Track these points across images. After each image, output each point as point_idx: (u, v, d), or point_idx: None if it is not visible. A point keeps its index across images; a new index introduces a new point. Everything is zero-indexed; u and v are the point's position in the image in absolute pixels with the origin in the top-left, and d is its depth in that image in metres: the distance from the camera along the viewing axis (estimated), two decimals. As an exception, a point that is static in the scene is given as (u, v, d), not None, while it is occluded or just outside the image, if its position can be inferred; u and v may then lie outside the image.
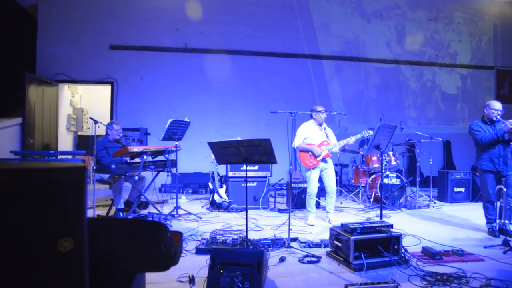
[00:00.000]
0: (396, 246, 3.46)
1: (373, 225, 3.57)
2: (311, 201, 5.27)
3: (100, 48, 8.81)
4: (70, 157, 5.79)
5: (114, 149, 5.52)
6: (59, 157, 5.52)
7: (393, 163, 6.69)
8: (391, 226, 3.58)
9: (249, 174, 6.18)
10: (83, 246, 1.19)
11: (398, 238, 3.49)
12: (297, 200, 6.22)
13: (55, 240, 1.16)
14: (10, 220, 1.21)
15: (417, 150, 7.15)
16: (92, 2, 8.79)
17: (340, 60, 9.59)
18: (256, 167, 6.23)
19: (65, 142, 9.29)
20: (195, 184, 8.19)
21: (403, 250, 3.53)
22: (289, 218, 4.13)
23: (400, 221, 5.31)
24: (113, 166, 4.93)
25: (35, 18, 8.72)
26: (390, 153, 6.74)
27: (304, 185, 6.15)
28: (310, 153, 5.21)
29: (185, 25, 9.01)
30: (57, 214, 1.20)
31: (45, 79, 8.31)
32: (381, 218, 4.60)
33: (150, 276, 2.00)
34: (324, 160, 5.24)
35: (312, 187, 5.23)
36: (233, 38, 9.11)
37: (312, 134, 5.29)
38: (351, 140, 5.10)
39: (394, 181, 6.46)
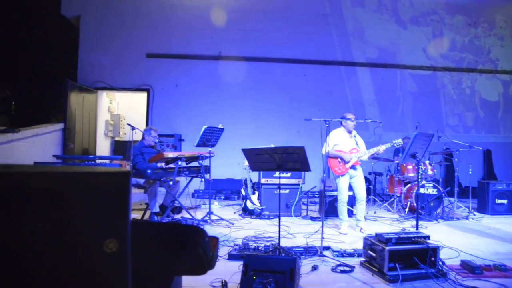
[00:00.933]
0: (433, 258, 3.36)
1: (408, 235, 3.48)
2: (343, 208, 5.23)
3: (137, 57, 9.10)
4: (107, 161, 6.00)
5: (150, 154, 5.67)
6: (98, 161, 5.73)
7: (430, 172, 6.51)
8: (428, 237, 3.49)
9: (282, 181, 6.17)
10: (127, 247, 1.24)
11: (435, 250, 3.39)
12: (329, 208, 6.15)
13: (102, 241, 1.21)
14: (60, 221, 1.27)
15: (455, 159, 6.91)
16: (130, 13, 9.11)
17: (374, 67, 9.46)
18: (289, 174, 6.22)
19: (103, 147, 9.62)
20: (228, 190, 8.26)
21: (440, 263, 3.42)
22: (321, 226, 4.10)
23: (437, 232, 5.14)
24: (148, 171, 5.06)
25: (78, 28, 9.12)
26: (427, 162, 6.57)
27: (337, 193, 6.07)
28: (339, 159, 5.19)
29: (218, 33, 9.16)
30: (103, 217, 1.25)
31: (86, 86, 8.67)
32: (417, 228, 4.48)
33: (183, 280, 2.04)
34: (353, 167, 5.21)
35: (343, 194, 5.19)
36: (266, 45, 9.17)
37: (342, 141, 5.28)
38: (381, 148, 5.06)
39: (431, 191, 6.28)
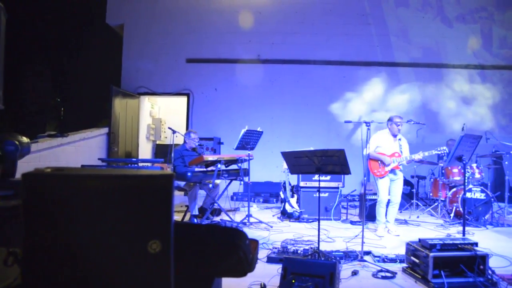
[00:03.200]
0: (481, 267, 3.21)
1: (454, 241, 3.35)
2: (380, 209, 5.18)
3: (178, 62, 9.33)
4: (149, 164, 6.19)
5: (191, 157, 5.79)
6: (140, 164, 5.92)
7: (477, 176, 6.24)
8: (476, 244, 3.34)
9: (321, 184, 6.10)
10: (170, 248, 1.28)
11: (484, 258, 3.24)
12: (370, 212, 6.03)
13: (146, 241, 1.26)
14: (106, 221, 1.33)
15: (506, 163, 6.57)
16: (171, 20, 9.36)
17: (417, 67, 9.18)
18: (328, 177, 6.16)
19: (145, 151, 9.92)
20: (267, 193, 8.29)
21: (490, 272, 3.26)
22: (362, 231, 4.03)
23: (485, 239, 4.91)
24: (189, 174, 5.18)
25: (121, 36, 9.50)
26: (474, 165, 6.30)
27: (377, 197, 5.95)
28: (379, 162, 5.11)
29: (257, 37, 9.23)
30: (147, 218, 1.30)
31: (129, 92, 8.99)
32: (463, 234, 4.31)
33: (223, 281, 2.07)
34: (393, 171, 5.13)
35: (382, 195, 5.13)
36: (305, 48, 9.14)
37: (385, 143, 5.19)
38: (421, 155, 5.00)
39: (478, 195, 6.01)
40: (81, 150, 7.27)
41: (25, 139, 2.51)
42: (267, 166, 8.56)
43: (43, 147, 6.11)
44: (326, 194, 6.15)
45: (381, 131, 5.33)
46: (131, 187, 1.36)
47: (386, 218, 5.24)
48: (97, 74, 9.17)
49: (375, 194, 6.05)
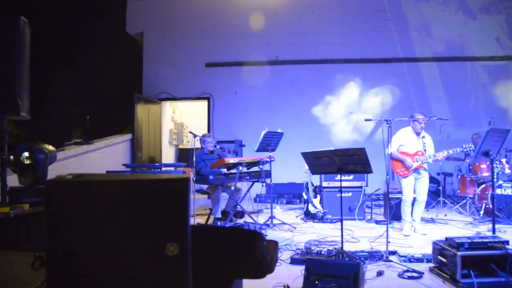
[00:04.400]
0: (513, 265, 3.10)
1: (484, 240, 3.25)
2: (406, 208, 5.10)
3: (197, 67, 9.43)
4: (172, 169, 6.27)
5: (211, 160, 5.83)
6: (163, 169, 6.00)
7: (507, 171, 6.04)
8: (507, 242, 3.23)
9: (344, 184, 6.05)
10: (187, 251, 1.29)
11: (515, 256, 3.12)
12: (395, 212, 5.93)
13: (164, 244, 1.28)
14: (126, 225, 1.35)
15: (538, 157, 6.34)
16: (189, 26, 9.48)
17: (441, 61, 8.97)
18: (351, 177, 6.10)
19: (168, 155, 10.06)
20: (289, 194, 8.27)
21: (522, 270, 3.14)
22: (386, 230, 3.96)
23: (517, 236, 4.73)
24: (211, 177, 5.21)
25: (141, 44, 9.68)
26: (503, 160, 6.10)
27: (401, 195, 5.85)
28: (402, 162, 5.02)
29: (275, 38, 9.23)
30: (165, 221, 1.32)
31: (150, 98, 9.14)
32: (493, 232, 4.17)
33: (245, 283, 2.07)
34: (417, 170, 5.04)
35: (407, 194, 5.05)
36: (323, 47, 9.08)
37: (408, 142, 5.09)
38: (445, 153, 4.88)
39: (509, 191, 5.81)
40: (106, 156, 7.44)
41: (51, 148, 2.60)
42: (289, 167, 8.54)
43: (69, 154, 6.28)
44: (350, 194, 6.08)
45: (403, 129, 5.23)
46: (148, 191, 1.39)
47: (412, 217, 5.14)
48: (119, 82, 9.38)
49: (400, 192, 5.93)
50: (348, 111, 8.99)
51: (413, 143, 5.09)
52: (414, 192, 5.11)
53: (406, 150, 5.08)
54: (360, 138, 8.71)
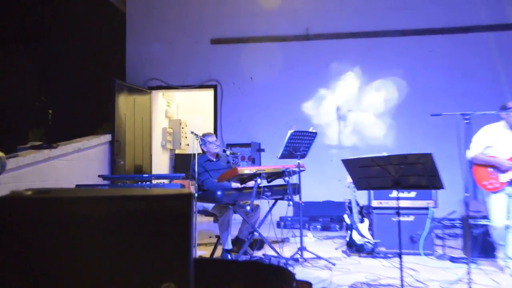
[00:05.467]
0: None
1: None
2: (500, 239, 4.89)
3: (199, 44, 9.48)
4: (166, 181, 6.28)
5: (219, 171, 5.83)
6: (154, 181, 6.02)
7: None
8: None
9: (403, 203, 5.96)
10: (189, 295, 1.27)
11: None
12: (481, 244, 5.75)
13: (158, 285, 1.26)
14: (107, 258, 1.33)
15: None
16: (189, -14, 9.55)
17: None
18: (413, 193, 6.00)
19: (160, 163, 10.14)
20: (325, 217, 8.20)
21: None
22: (468, 272, 3.88)
23: None
24: (218, 193, 5.19)
25: (124, 13, 9.73)
26: None
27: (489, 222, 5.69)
28: (491, 168, 4.85)
29: (305, 5, 9.21)
30: (158, 253, 1.29)
31: (137, 86, 9.22)
32: None
33: None
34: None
35: (497, 218, 4.83)
36: (371, 15, 8.97)
37: (499, 141, 4.87)
38: None
39: None
40: (76, 165, 7.52)
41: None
42: (325, 180, 8.48)
43: (25, 162, 6.31)
44: (411, 218, 5.98)
45: (491, 125, 5.02)
46: (134, 213, 1.37)
47: (507, 252, 4.89)
48: (94, 64, 9.48)
49: (485, 217, 5.76)
50: (407, 103, 8.87)
51: (506, 144, 4.87)
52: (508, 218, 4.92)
53: (496, 153, 4.87)
54: (425, 139, 8.56)
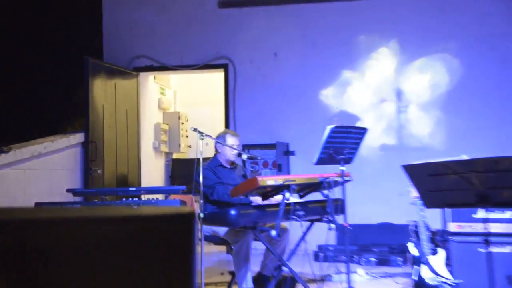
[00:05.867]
0: None
1: None
2: None
3: (203, 9, 9.51)
4: (160, 197, 6.27)
5: (233, 181, 5.79)
6: (144, 198, 6.02)
7: None
8: None
9: (494, 228, 5.88)
10: None
11: None
12: None
13: None
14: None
15: None
16: None
17: None
18: (509, 214, 5.93)
19: (153, 172, 10.19)
20: (382, 246, 8.13)
21: None
22: None
23: None
24: (233, 212, 5.13)
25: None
26: None
27: None
28: None
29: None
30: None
31: (118, 66, 9.25)
32: None
33: None
34: None
35: None
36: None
37: None
38: None
39: None
40: (35, 175, 7.53)
41: None
42: (380, 194, 8.45)
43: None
44: (507, 249, 5.91)
45: None
46: (115, 241, 1.33)
47: None
48: (58, 38, 9.50)
49: None
50: (498, 85, 8.77)
51: None
52: None
53: None
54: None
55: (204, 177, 5.61)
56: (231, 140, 6.02)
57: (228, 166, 6.08)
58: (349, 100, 9.07)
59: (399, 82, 9.08)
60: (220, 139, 6.02)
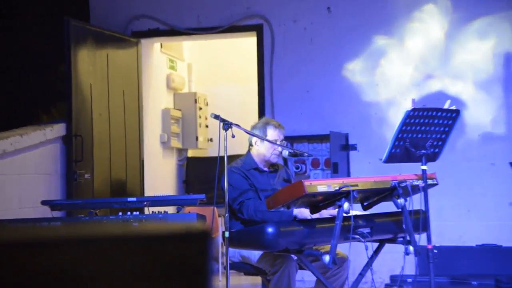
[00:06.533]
0: None
1: None
2: None
3: None
4: (171, 210, 6.27)
5: (270, 189, 5.75)
6: (148, 211, 6.03)
7: None
8: None
9: None
10: None
11: None
12: None
13: None
14: None
15: None
16: None
17: None
18: None
19: (160, 175, 10.21)
20: (485, 277, 8.05)
21: None
22: None
23: None
24: (270, 230, 5.11)
25: None
26: None
27: None
28: None
29: None
30: None
31: (111, 31, 9.26)
32: None
33: None
34: None
35: None
36: None
37: None
38: None
39: None
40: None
41: None
42: (480, 204, 8.35)
43: None
44: None
45: None
46: (112, 270, 1.32)
47: None
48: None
49: None
50: None
51: None
52: None
53: None
54: None
55: (229, 185, 5.59)
56: (273, 133, 5.97)
57: (266, 169, 6.04)
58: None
59: (451, 51, 9.01)
60: (257, 131, 5.98)
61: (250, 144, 6.06)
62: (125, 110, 9.33)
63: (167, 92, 10.53)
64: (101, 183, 8.80)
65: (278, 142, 5.92)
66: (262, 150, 5.98)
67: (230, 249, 5.55)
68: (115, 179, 9.08)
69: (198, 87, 11.10)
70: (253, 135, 5.95)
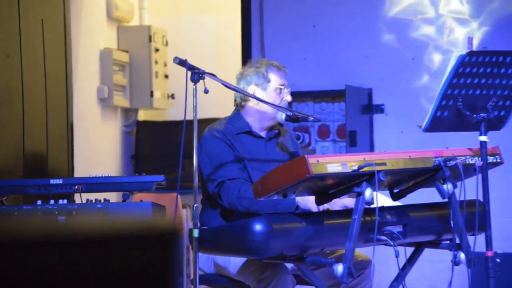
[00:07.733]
0: None
1: None
2: None
3: None
4: (113, 196, 6.29)
5: (268, 165, 5.77)
6: (79, 198, 6.04)
7: None
8: None
9: None
10: None
11: None
12: None
13: None
14: None
15: None
16: None
17: None
18: None
19: (98, 146, 10.20)
20: None
21: None
22: None
23: None
24: (257, 227, 5.14)
25: None
26: None
27: None
28: None
29: None
30: None
31: None
32: None
33: None
34: None
35: None
36: None
37: None
38: None
39: None
40: None
41: None
42: None
43: None
44: None
45: None
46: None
47: None
48: None
49: None
50: None
51: None
52: None
53: None
54: None
55: (205, 155, 5.59)
56: (276, 78, 5.96)
57: (263, 134, 6.05)
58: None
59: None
60: (254, 77, 5.95)
61: (241, 100, 6.02)
62: (45, 51, 9.26)
63: (108, 25, 10.48)
64: (10, 157, 8.74)
65: (285, 90, 5.91)
66: (263, 105, 5.94)
67: (201, 255, 5.55)
68: (30, 152, 9.02)
69: (153, 19, 11.07)
70: (262, 77, 5.92)
